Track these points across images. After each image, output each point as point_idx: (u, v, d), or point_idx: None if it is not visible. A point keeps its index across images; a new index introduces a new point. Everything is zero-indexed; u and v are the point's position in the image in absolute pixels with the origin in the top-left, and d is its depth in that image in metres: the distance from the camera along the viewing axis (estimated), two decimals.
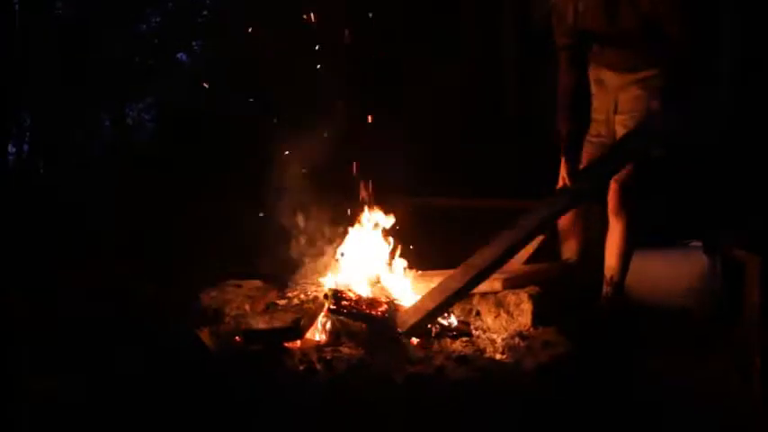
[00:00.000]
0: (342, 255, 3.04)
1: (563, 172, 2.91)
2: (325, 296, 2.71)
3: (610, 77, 2.90)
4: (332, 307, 2.66)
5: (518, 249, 2.90)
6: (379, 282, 2.96)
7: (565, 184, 2.91)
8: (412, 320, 2.65)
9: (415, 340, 2.71)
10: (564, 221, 3.16)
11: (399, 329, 2.62)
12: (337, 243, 3.09)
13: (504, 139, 5.30)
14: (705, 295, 3.07)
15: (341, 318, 2.64)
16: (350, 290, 2.79)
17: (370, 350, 2.57)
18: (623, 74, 2.85)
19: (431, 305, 2.69)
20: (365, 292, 2.85)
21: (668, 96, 2.77)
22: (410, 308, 2.74)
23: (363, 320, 2.63)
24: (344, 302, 2.67)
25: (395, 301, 2.78)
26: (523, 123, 5.56)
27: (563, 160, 2.92)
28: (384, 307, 2.70)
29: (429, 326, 2.70)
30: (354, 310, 2.65)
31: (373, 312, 2.65)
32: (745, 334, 2.87)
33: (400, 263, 3.08)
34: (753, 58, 3.88)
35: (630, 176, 2.88)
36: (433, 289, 2.78)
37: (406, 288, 2.98)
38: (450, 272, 2.86)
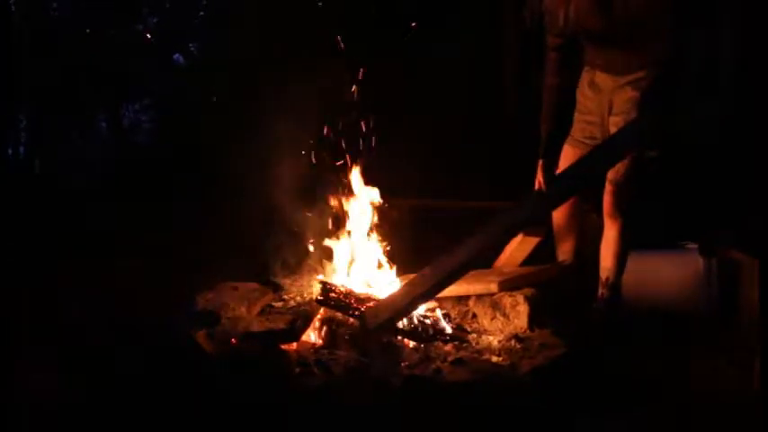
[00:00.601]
0: (336, 255, 3.05)
1: (540, 175, 2.87)
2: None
3: (604, 80, 2.90)
4: (319, 298, 2.65)
5: (491, 251, 2.88)
6: (370, 282, 2.96)
7: (540, 188, 2.86)
8: (380, 318, 2.64)
9: (411, 343, 2.71)
10: (559, 223, 3.16)
11: (368, 326, 2.61)
12: (332, 244, 3.08)
13: (502, 140, 5.31)
14: (701, 297, 3.07)
15: (333, 311, 2.64)
16: (341, 285, 2.79)
17: (367, 352, 2.57)
18: (617, 76, 2.85)
19: (398, 305, 2.67)
20: (356, 288, 2.84)
21: (657, 97, 2.77)
22: (380, 304, 2.71)
23: (349, 314, 2.62)
24: (332, 294, 2.67)
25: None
26: (522, 124, 5.57)
27: (540, 162, 2.87)
28: (372, 303, 2.69)
29: (396, 324, 2.67)
30: (342, 303, 2.64)
31: (361, 308, 2.64)
32: (743, 335, 2.88)
33: (394, 264, 3.08)
34: (753, 58, 3.89)
35: (625, 178, 2.88)
36: (403, 287, 2.76)
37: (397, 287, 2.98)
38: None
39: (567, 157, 2.98)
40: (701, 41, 2.92)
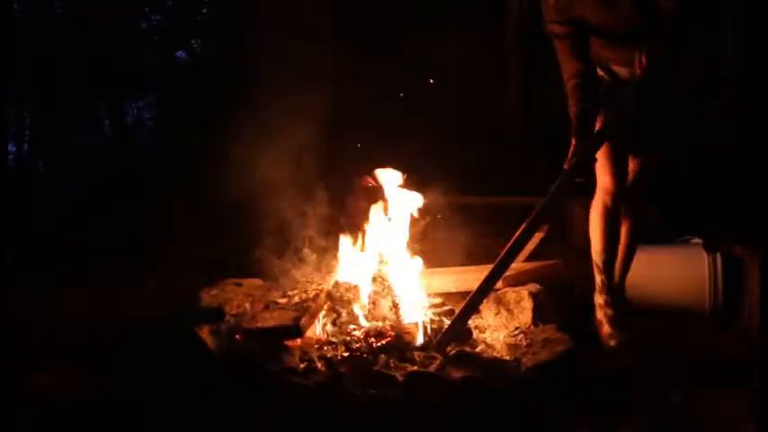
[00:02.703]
0: (343, 255, 3.04)
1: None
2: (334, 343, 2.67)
3: (621, 72, 2.80)
4: (345, 355, 2.60)
5: (523, 245, 2.82)
6: (381, 282, 2.95)
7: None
8: (440, 339, 2.62)
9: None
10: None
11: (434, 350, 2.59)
12: (338, 240, 3.08)
13: (505, 135, 5.31)
14: (705, 292, 3.07)
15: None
16: (355, 328, 2.73)
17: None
18: (632, 67, 2.74)
19: (451, 325, 2.66)
20: (366, 309, 2.82)
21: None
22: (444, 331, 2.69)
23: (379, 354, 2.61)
24: (356, 345, 2.62)
25: (399, 327, 2.74)
26: (526, 120, 5.57)
27: (574, 142, 2.65)
28: (390, 336, 2.67)
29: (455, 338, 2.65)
30: (367, 351, 2.60)
31: (383, 343, 2.62)
32: (745, 331, 2.88)
33: (400, 261, 3.08)
34: (755, 56, 3.88)
35: (639, 178, 2.86)
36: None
37: (408, 288, 2.97)
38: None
39: None
40: (703, 41, 2.86)
